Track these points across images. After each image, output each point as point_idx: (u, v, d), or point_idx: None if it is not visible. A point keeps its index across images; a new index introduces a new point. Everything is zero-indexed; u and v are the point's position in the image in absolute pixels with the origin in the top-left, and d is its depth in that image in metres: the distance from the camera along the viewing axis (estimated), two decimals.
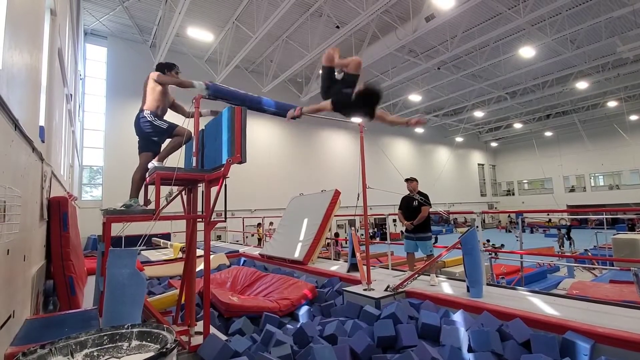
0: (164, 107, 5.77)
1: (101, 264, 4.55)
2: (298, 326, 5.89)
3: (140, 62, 25.22)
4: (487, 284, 7.51)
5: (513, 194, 59.37)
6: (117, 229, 4.90)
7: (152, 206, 5.11)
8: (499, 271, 13.48)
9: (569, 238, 26.22)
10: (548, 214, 44.48)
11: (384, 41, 22.86)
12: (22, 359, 2.19)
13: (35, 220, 5.07)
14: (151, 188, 5.46)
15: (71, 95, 12.79)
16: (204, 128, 6.02)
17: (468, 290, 6.79)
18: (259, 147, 29.89)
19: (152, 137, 5.55)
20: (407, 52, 26.31)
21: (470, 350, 4.90)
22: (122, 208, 5.11)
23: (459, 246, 7.21)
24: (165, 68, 6.00)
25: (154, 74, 5.83)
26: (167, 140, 5.71)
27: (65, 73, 9.98)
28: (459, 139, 51.01)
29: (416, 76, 31.48)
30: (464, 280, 7.07)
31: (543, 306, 5.88)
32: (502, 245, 21.75)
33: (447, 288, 7.49)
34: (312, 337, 5.45)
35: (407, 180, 8.89)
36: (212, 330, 5.53)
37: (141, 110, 5.55)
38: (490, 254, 11.78)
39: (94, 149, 24.56)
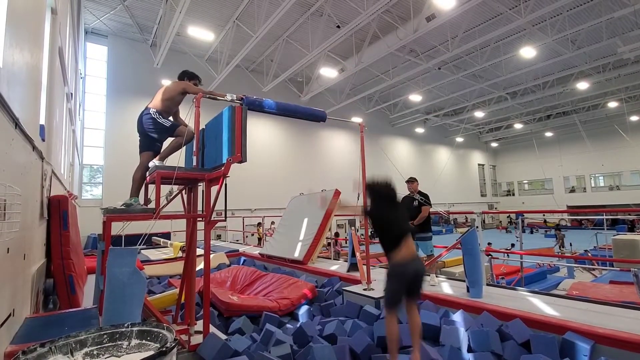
0: (170, 112, 5.77)
1: (101, 263, 4.55)
2: (298, 326, 5.91)
3: (140, 61, 25.42)
4: (487, 284, 7.51)
5: (513, 195, 59.41)
6: (117, 228, 4.90)
7: (152, 205, 5.11)
8: (499, 271, 13.47)
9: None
10: (544, 215, 44.45)
11: (384, 41, 22.91)
12: (22, 357, 2.19)
13: (35, 219, 5.07)
14: (151, 187, 5.46)
15: (71, 94, 12.79)
16: (204, 127, 6.02)
17: (468, 291, 6.78)
18: (259, 147, 29.93)
19: (153, 134, 5.54)
20: (407, 52, 26.32)
21: (470, 350, 4.91)
22: (123, 207, 5.10)
23: (459, 246, 7.22)
24: (186, 76, 5.97)
25: (183, 82, 5.81)
26: (169, 140, 5.71)
27: (66, 72, 9.98)
28: (459, 139, 51.02)
29: (417, 76, 31.47)
30: (464, 281, 7.07)
31: (543, 306, 5.89)
32: (513, 245, 21.88)
33: (447, 288, 7.50)
34: (312, 336, 5.47)
35: (408, 181, 8.89)
36: (212, 329, 5.53)
37: (146, 108, 5.55)
38: (489, 255, 11.78)
39: (95, 147, 24.57)
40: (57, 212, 6.32)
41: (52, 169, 7.14)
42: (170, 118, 5.78)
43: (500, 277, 12.91)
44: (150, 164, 5.46)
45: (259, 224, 22.02)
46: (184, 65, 6.65)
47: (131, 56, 25.34)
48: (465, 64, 29.20)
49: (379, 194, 4.84)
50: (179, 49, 25.43)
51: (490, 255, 12.31)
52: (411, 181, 8.87)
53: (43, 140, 5.55)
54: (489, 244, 18.77)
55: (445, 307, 6.44)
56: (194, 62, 25.45)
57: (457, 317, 5.78)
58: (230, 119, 5.10)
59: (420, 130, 46.94)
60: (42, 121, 5.54)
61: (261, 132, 30.90)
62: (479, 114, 42.73)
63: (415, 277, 4.55)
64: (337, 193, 11.35)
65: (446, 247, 8.54)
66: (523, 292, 7.05)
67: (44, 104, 5.98)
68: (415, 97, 35.26)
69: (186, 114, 5.84)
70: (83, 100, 23.22)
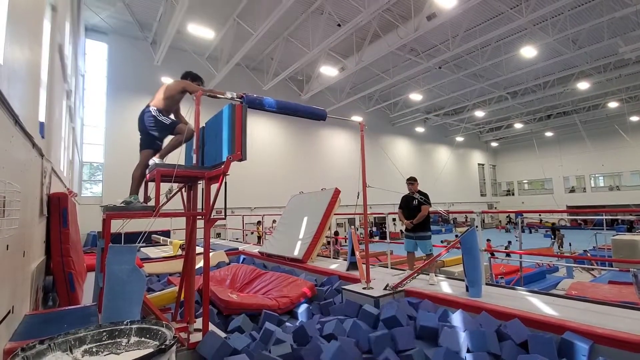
0: (170, 111, 5.76)
1: (101, 261, 4.54)
2: (298, 324, 5.95)
3: (141, 59, 25.43)
4: (486, 284, 7.53)
5: (513, 194, 59.53)
6: (116, 226, 4.90)
7: (152, 203, 5.11)
8: (498, 271, 13.49)
9: (554, 236, 26.70)
10: (539, 215, 44.49)
11: (385, 40, 22.93)
12: (21, 354, 2.19)
13: (35, 216, 5.07)
14: (151, 185, 5.46)
15: (71, 91, 12.78)
16: (204, 125, 6.01)
17: (467, 290, 6.79)
18: (259, 145, 29.94)
19: (154, 132, 5.53)
20: (408, 50, 26.34)
21: (468, 351, 4.90)
22: (122, 205, 5.10)
23: (459, 246, 7.24)
24: (189, 77, 5.95)
25: (183, 81, 5.80)
26: (169, 138, 5.70)
27: (66, 69, 9.97)
28: (459, 139, 51.24)
29: (417, 75, 31.48)
30: (463, 280, 7.07)
31: (542, 306, 5.91)
32: (510, 243, 22.01)
33: (446, 287, 7.51)
34: (312, 336, 5.47)
35: (408, 182, 8.97)
36: (211, 327, 5.54)
37: (147, 106, 5.54)
38: (491, 254, 11.80)
39: (94, 145, 24.59)
40: (57, 209, 6.31)
41: (52, 167, 7.14)
42: (172, 116, 5.77)
43: (499, 276, 12.92)
44: (150, 162, 5.45)
45: (259, 223, 22.04)
46: (184, 63, 6.67)
47: (131, 54, 25.33)
48: (465, 63, 29.22)
49: None
50: (179, 46, 25.39)
51: (492, 254, 12.31)
52: (411, 182, 8.94)
53: (43, 137, 5.55)
54: (488, 240, 18.87)
55: (444, 306, 6.44)
56: (194, 60, 25.49)
57: (456, 316, 5.78)
58: (231, 117, 5.08)
59: (420, 129, 46.94)
60: (42, 118, 5.54)
61: (261, 130, 30.95)
62: (479, 114, 42.80)
63: None
64: (337, 192, 11.38)
65: (445, 247, 8.54)
66: (522, 292, 7.05)
67: (44, 101, 5.97)
68: (416, 96, 35.29)
69: (187, 112, 5.84)
70: (83, 97, 23.18)
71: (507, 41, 26.42)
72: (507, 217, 50.93)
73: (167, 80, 5.90)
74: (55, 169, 7.80)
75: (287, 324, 6.54)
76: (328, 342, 5.25)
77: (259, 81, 29.07)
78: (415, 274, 7.65)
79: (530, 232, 41.56)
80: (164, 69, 24.45)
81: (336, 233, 24.56)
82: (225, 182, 4.94)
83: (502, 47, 26.76)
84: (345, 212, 12.31)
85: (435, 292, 7.06)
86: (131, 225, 4.95)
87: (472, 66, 28.74)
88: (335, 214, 11.53)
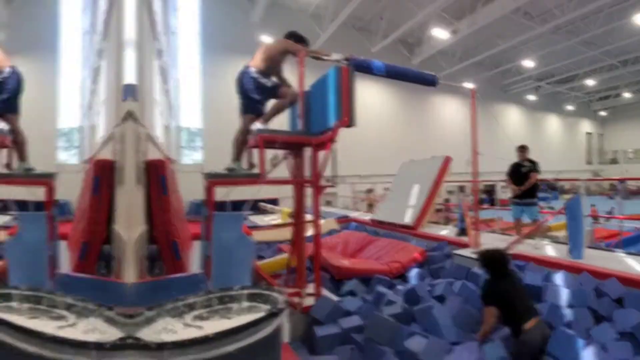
0: (271, 73, 5.57)
1: (205, 229, 4.55)
2: (409, 287, 6.18)
3: (237, 15, 24.51)
4: (588, 247, 7.65)
5: (618, 163, 57.54)
6: (219, 194, 4.86)
7: (256, 170, 5.05)
8: (599, 235, 13.23)
9: None
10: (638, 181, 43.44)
11: (499, 1, 21.93)
12: (129, 321, 2.16)
13: (131, 183, 5.06)
14: (254, 152, 5.39)
15: (163, 50, 12.60)
16: (309, 89, 5.84)
17: (570, 252, 7.01)
18: (369, 111, 28.52)
19: (254, 95, 5.36)
20: (522, 14, 25.08)
21: (569, 306, 5.18)
22: (225, 172, 5.05)
23: (564, 212, 7.49)
24: (293, 37, 5.72)
25: (285, 41, 5.60)
26: (271, 102, 5.57)
27: (156, 26, 9.90)
28: (569, 107, 50.19)
29: (530, 41, 29.74)
30: (567, 244, 7.31)
31: (638, 267, 6.25)
32: (613, 208, 21.43)
33: (550, 251, 7.84)
34: (423, 297, 5.68)
35: (519, 149, 9.11)
36: (324, 291, 5.66)
37: (246, 67, 5.38)
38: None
39: (192, 109, 23.91)
40: (155, 176, 6.33)
41: (147, 132, 7.12)
42: (273, 78, 5.60)
43: (600, 240, 12.64)
44: (253, 127, 5.35)
45: (369, 190, 21.96)
46: (285, 21, 6.47)
47: (226, 9, 24.19)
48: (578, 30, 27.50)
49: (496, 271, 4.68)
50: (280, 1, 24.72)
51: (595, 219, 12.05)
52: (522, 150, 9.10)
53: (135, 100, 5.49)
54: (593, 205, 18.42)
55: (548, 268, 6.65)
56: (295, 17, 24.36)
57: (559, 277, 6.05)
58: (337, 81, 4.93)
59: (531, 97, 45.74)
60: (133, 80, 5.46)
61: (370, 95, 29.57)
62: (590, 82, 41.57)
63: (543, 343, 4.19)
64: (447, 159, 11.51)
65: (551, 213, 8.91)
66: (621, 254, 7.44)
67: (134, 62, 5.88)
68: (528, 63, 34.20)
69: (289, 75, 5.69)
70: (176, 57, 21.84)
71: (620, 7, 24.55)
72: (610, 184, 49.63)
73: (266, 40, 5.74)
74: (150, 135, 7.81)
75: (399, 287, 6.58)
76: (438, 302, 5.44)
77: (368, 42, 28.19)
78: (522, 239, 7.89)
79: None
80: (262, 26, 23.32)
81: (446, 200, 24.30)
82: (334, 150, 4.80)
83: (614, 13, 25.05)
84: (455, 179, 12.23)
85: (540, 255, 7.31)
86: (235, 193, 4.89)
87: (584, 32, 27.15)
88: (445, 182, 11.83)
